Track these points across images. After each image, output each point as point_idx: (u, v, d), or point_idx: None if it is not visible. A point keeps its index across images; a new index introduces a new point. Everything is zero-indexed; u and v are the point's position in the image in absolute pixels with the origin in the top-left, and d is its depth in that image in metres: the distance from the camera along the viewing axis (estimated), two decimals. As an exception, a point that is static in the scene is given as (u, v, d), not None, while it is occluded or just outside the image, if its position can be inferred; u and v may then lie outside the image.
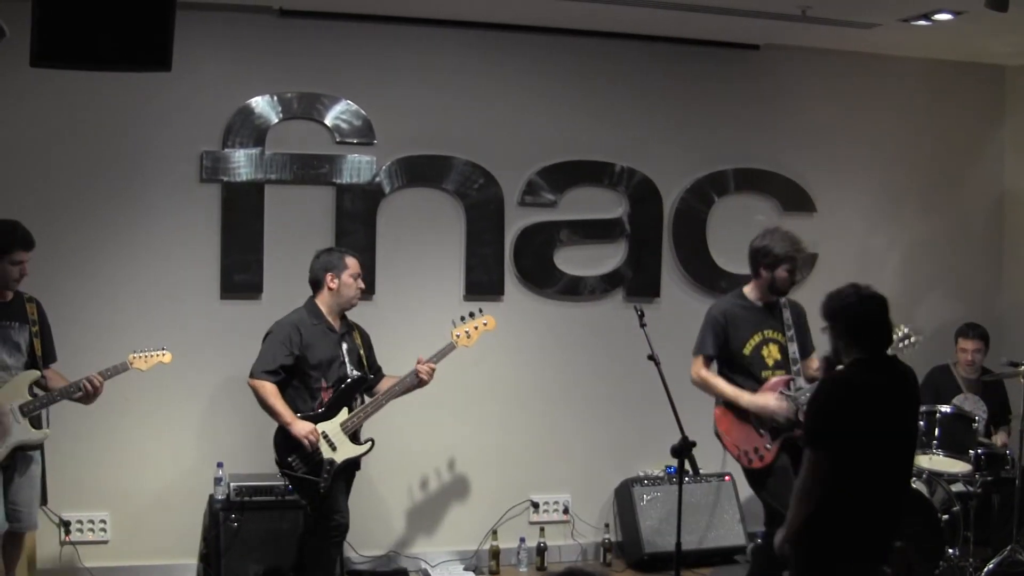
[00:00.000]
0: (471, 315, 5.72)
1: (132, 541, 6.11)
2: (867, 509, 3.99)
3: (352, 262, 5.50)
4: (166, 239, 6.18)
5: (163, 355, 5.32)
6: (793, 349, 5.43)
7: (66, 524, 6.01)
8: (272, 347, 5.38)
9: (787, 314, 5.49)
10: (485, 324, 5.74)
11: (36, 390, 5.04)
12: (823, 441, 3.99)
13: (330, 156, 6.38)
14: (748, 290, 5.54)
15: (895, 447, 4.09)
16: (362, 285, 5.56)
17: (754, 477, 5.40)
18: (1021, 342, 7.25)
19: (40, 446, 5.09)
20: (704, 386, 5.46)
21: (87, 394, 5.05)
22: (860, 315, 4.09)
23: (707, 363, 5.48)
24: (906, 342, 5.31)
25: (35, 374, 5.03)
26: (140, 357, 5.25)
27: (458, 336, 5.65)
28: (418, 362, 5.52)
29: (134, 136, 6.12)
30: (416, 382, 5.52)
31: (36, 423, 5.01)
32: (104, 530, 6.06)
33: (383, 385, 5.60)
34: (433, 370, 5.53)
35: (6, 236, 4.98)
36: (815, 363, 5.51)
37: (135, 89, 5.91)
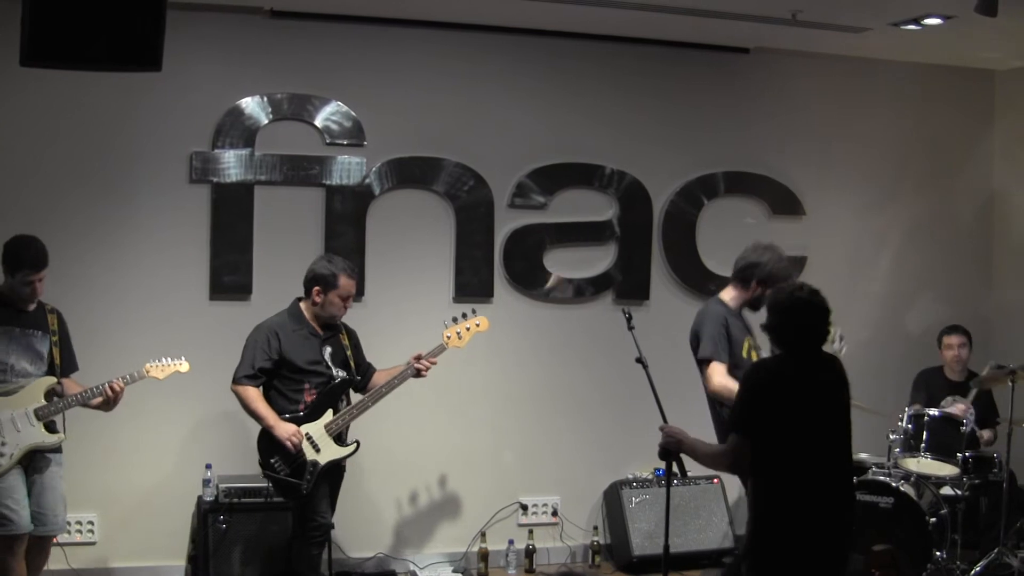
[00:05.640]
0: (464, 315, 5.71)
1: (120, 542, 6.09)
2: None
3: (346, 283, 5.41)
4: (155, 240, 6.16)
5: (180, 364, 5.29)
6: (761, 355, 5.35)
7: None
8: (251, 351, 5.37)
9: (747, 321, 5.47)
10: (478, 325, 5.70)
11: (54, 396, 5.03)
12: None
13: (320, 157, 6.38)
14: (728, 297, 5.42)
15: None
16: (350, 305, 5.51)
17: None
18: (1010, 344, 7.27)
19: (57, 449, 5.06)
20: (730, 395, 4.91)
21: (108, 399, 5.03)
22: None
23: (730, 369, 5.21)
24: None
25: (51, 380, 5.03)
26: (157, 366, 5.22)
27: (448, 337, 5.62)
28: (417, 359, 5.50)
29: (123, 136, 6.10)
30: (412, 375, 5.50)
31: (53, 428, 5.02)
32: (92, 531, 6.04)
33: (378, 379, 5.59)
34: (431, 365, 5.52)
35: (16, 255, 4.91)
36: None
37: (125, 89, 5.89)
